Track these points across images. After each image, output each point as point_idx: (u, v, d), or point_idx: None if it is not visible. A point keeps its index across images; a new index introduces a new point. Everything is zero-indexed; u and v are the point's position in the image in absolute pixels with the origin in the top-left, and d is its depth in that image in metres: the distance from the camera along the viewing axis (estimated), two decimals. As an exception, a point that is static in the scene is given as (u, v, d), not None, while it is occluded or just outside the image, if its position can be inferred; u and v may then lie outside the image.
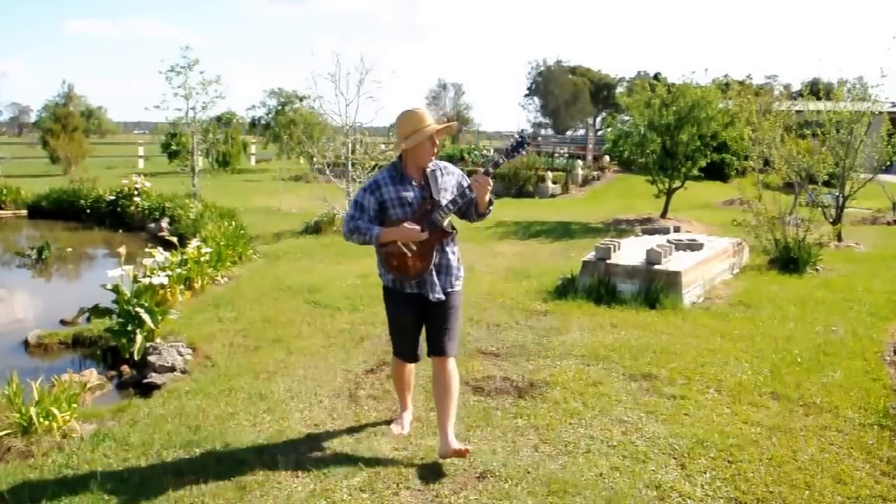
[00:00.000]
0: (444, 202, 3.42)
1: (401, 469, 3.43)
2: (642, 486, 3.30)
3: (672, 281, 6.60)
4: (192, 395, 4.39)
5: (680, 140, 12.91)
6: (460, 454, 3.38)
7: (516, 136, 3.43)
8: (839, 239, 10.84)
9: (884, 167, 12.40)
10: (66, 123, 24.40)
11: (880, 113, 11.66)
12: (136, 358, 5.25)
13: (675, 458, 3.57)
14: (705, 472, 3.44)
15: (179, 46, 28.88)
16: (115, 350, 5.53)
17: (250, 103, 37.05)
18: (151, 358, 5.10)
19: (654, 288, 6.58)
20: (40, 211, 14.64)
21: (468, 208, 3.50)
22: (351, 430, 3.89)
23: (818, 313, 6.41)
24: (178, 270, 6.94)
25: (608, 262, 6.96)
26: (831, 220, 10.94)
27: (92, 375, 4.89)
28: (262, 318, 6.16)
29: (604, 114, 53.25)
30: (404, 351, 3.74)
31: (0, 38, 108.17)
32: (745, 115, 10.50)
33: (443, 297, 3.50)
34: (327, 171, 12.79)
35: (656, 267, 6.74)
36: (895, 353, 5.28)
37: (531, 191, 19.22)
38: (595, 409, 4.17)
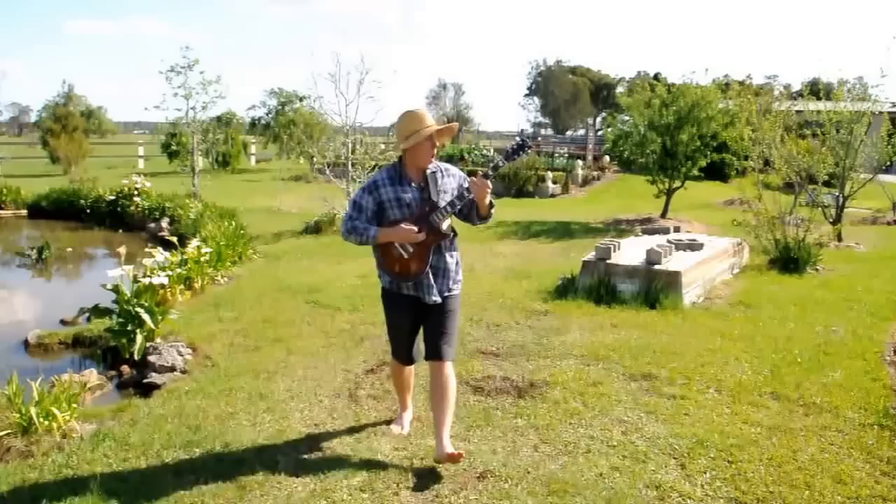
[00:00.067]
0: (441, 204, 3.40)
1: (401, 469, 3.43)
2: (642, 486, 3.30)
3: (672, 281, 6.60)
4: (192, 395, 4.39)
5: (680, 140, 12.91)
6: (454, 459, 3.34)
7: (517, 139, 3.42)
8: (839, 239, 10.84)
9: (884, 167, 12.42)
10: (66, 123, 24.39)
11: (880, 113, 11.67)
12: (136, 358, 5.24)
13: (675, 458, 3.57)
14: (705, 472, 3.44)
15: (179, 46, 28.87)
16: (115, 350, 5.53)
17: (250, 103, 37.07)
18: (151, 358, 5.10)
19: (654, 288, 6.58)
20: (40, 211, 14.63)
21: (470, 211, 3.48)
22: (351, 430, 3.89)
23: (818, 313, 6.41)
24: (178, 270, 6.94)
25: (608, 262, 6.96)
26: (831, 220, 10.95)
27: (92, 375, 4.89)
28: (262, 318, 6.16)
29: (604, 114, 53.22)
30: (401, 353, 3.73)
31: (0, 38, 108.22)
32: (745, 115, 10.48)
33: (439, 300, 3.48)
34: (327, 171, 12.79)
35: (656, 267, 6.75)
36: (895, 353, 5.28)
37: (531, 191, 19.23)
38: (595, 409, 4.17)
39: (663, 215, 13.77)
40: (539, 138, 38.90)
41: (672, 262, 6.94)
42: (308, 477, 3.36)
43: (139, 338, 5.31)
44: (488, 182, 3.32)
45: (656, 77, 23.69)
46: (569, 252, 9.60)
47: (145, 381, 4.84)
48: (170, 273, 6.56)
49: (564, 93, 64.15)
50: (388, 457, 3.56)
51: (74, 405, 4.02)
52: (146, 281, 5.84)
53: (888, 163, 11.88)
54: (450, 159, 21.14)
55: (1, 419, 3.91)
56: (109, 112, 53.73)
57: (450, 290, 3.53)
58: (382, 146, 13.29)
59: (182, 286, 6.96)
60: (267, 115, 30.58)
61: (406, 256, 3.42)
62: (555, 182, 19.75)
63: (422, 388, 4.36)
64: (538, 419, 4.03)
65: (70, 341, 5.97)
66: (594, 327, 5.88)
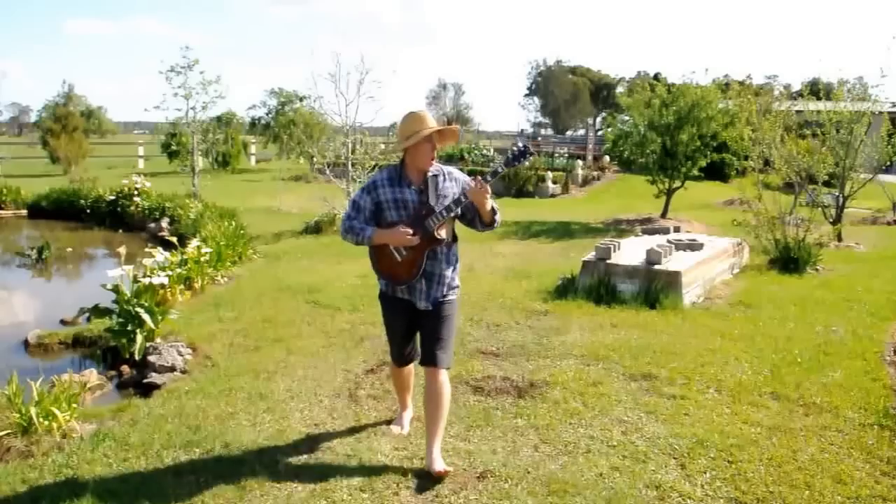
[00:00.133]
0: (438, 209, 3.33)
1: (401, 469, 3.43)
2: (642, 486, 3.30)
3: (672, 281, 6.60)
4: (192, 395, 4.39)
5: (680, 140, 12.91)
6: (440, 476, 3.28)
7: (519, 145, 3.32)
8: (839, 239, 10.84)
9: (884, 167, 12.41)
10: (66, 123, 24.36)
11: (880, 113, 11.67)
12: (136, 358, 5.24)
13: (675, 458, 3.57)
14: (705, 472, 3.44)
15: (179, 46, 28.86)
16: (115, 350, 5.53)
17: (251, 103, 37.10)
18: (151, 358, 5.10)
19: (654, 288, 6.58)
20: (40, 211, 14.62)
21: (473, 217, 3.40)
22: (351, 430, 3.89)
23: (818, 313, 6.41)
24: (178, 270, 6.93)
25: (608, 262, 6.96)
26: (831, 220, 10.95)
27: (92, 375, 4.89)
28: (262, 318, 6.16)
29: (604, 114, 53.24)
30: (395, 354, 3.73)
31: (0, 38, 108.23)
32: (745, 115, 10.49)
33: (430, 306, 3.44)
34: (327, 171, 12.79)
35: (656, 267, 6.74)
36: (895, 353, 5.28)
37: (531, 191, 19.24)
38: (595, 409, 4.17)
39: (663, 215, 13.77)
40: (539, 138, 38.92)
41: (672, 262, 6.94)
42: (308, 477, 3.36)
43: (139, 338, 5.30)
44: (487, 187, 3.22)
45: (656, 77, 23.69)
46: (569, 252, 9.60)
47: (145, 381, 4.84)
48: (170, 273, 6.56)
49: (564, 93, 64.17)
50: (388, 457, 3.56)
51: (74, 405, 4.02)
52: (146, 281, 5.83)
53: (888, 163, 11.88)
54: (450, 159, 21.15)
55: (1, 419, 3.90)
56: (109, 112, 53.80)
57: (444, 296, 3.46)
58: (382, 146, 13.30)
59: (182, 286, 6.96)
60: (267, 115, 30.59)
61: (399, 259, 3.39)
62: (555, 182, 19.76)
63: (422, 388, 4.35)
64: (538, 419, 4.03)
65: (70, 341, 5.97)
66: (594, 327, 5.88)
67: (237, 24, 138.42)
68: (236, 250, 9.02)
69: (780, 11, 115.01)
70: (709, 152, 13.24)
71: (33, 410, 3.82)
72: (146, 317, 5.39)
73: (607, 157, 22.50)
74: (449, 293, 3.49)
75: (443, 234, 3.38)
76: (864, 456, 3.62)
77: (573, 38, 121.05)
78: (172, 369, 4.95)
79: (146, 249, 7.32)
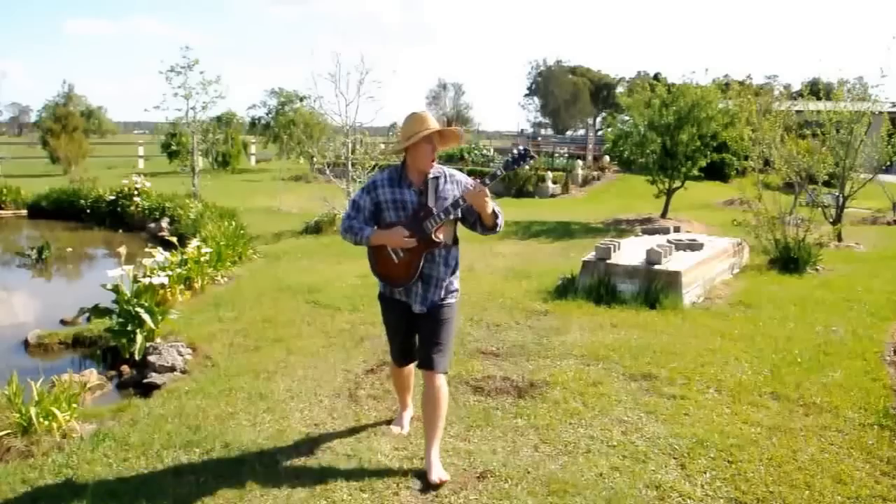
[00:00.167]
0: (436, 210, 3.29)
1: (401, 469, 3.43)
2: (642, 486, 3.30)
3: (672, 281, 6.60)
4: (192, 395, 4.39)
5: (680, 140, 12.91)
6: (435, 486, 3.27)
7: (520, 148, 3.27)
8: (839, 239, 10.84)
9: (884, 167, 12.41)
10: (66, 123, 24.36)
11: (880, 113, 11.67)
12: (136, 358, 5.24)
13: (675, 458, 3.57)
14: (705, 472, 3.44)
15: (179, 46, 28.84)
16: (115, 350, 5.53)
17: (250, 103, 37.09)
18: (151, 358, 5.10)
19: (654, 288, 6.58)
20: (40, 211, 14.63)
21: (475, 220, 3.35)
22: (351, 430, 3.89)
23: (818, 313, 6.41)
24: (178, 270, 6.93)
25: (608, 262, 6.96)
26: (831, 220, 10.95)
27: (92, 375, 4.89)
28: (262, 318, 6.16)
29: (604, 114, 53.24)
30: (395, 354, 3.72)
31: (0, 38, 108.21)
32: (745, 115, 10.49)
33: (425, 309, 3.41)
34: (327, 171, 12.79)
35: (656, 267, 6.74)
36: (895, 353, 5.28)
37: (531, 191, 19.24)
38: (595, 409, 4.17)
39: (663, 215, 13.77)
40: (539, 138, 38.90)
41: (672, 262, 6.94)
42: (308, 477, 3.36)
43: (139, 338, 5.30)
44: (484, 190, 3.16)
45: (656, 77, 23.70)
46: (569, 252, 9.60)
47: (145, 381, 4.84)
48: (170, 273, 6.56)
49: (564, 93, 64.17)
50: (388, 457, 3.56)
51: (74, 405, 4.02)
52: (146, 281, 5.83)
53: (888, 163, 11.88)
54: (449, 159, 21.15)
55: (1, 419, 3.90)
56: (109, 112, 53.77)
57: (442, 299, 3.42)
58: (382, 146, 13.30)
59: (182, 286, 6.96)
60: (267, 115, 30.59)
61: (396, 261, 3.37)
62: (555, 182, 19.77)
63: (422, 388, 4.35)
64: (538, 419, 4.03)
65: (70, 341, 5.97)
66: (594, 327, 5.88)
67: (237, 24, 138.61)
68: (236, 250, 9.01)
69: (780, 11, 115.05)
70: (709, 152, 13.25)
71: (33, 410, 3.82)
72: (146, 317, 5.39)
73: (607, 157, 22.51)
74: (448, 296, 3.45)
75: (441, 236, 3.34)
76: (864, 456, 3.62)
77: (573, 38, 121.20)
78: (172, 369, 4.95)
79: (146, 249, 7.32)
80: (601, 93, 64.30)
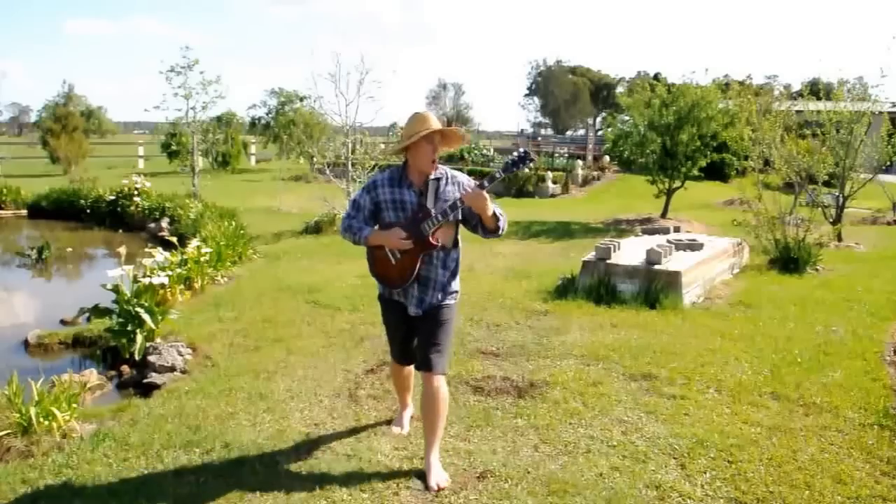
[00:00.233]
0: (434, 212, 3.25)
1: (401, 469, 3.43)
2: (642, 486, 3.30)
3: (672, 281, 6.60)
4: (192, 395, 4.39)
5: (680, 140, 12.92)
6: (434, 491, 3.25)
7: (520, 151, 3.21)
8: (839, 239, 10.84)
9: (884, 167, 12.41)
10: (66, 123, 24.35)
11: (880, 113, 11.67)
12: (136, 358, 5.24)
13: (675, 458, 3.57)
14: (705, 472, 3.44)
15: (179, 46, 28.84)
16: (115, 350, 5.53)
17: (250, 103, 37.07)
18: (151, 358, 5.10)
19: (654, 288, 6.58)
20: (40, 211, 14.62)
21: (476, 223, 3.31)
22: (351, 430, 3.89)
23: (818, 313, 6.41)
24: (178, 270, 6.93)
25: (608, 262, 6.96)
26: (831, 220, 10.95)
27: (92, 375, 4.89)
28: (262, 318, 6.16)
29: (604, 114, 53.24)
30: (395, 354, 3.71)
31: (0, 38, 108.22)
32: (745, 115, 10.50)
33: (420, 312, 3.38)
34: (327, 171, 12.79)
35: (656, 267, 6.74)
36: (895, 353, 5.28)
37: (531, 191, 19.24)
38: (595, 409, 4.17)
39: (663, 215, 13.77)
40: (539, 138, 38.89)
41: (672, 262, 6.94)
42: (308, 477, 3.36)
43: (139, 338, 5.30)
44: (482, 193, 3.11)
45: (656, 77, 23.70)
46: (569, 252, 9.60)
47: (145, 381, 4.84)
48: (170, 273, 6.55)
49: (564, 93, 64.18)
50: (388, 457, 3.56)
51: (74, 405, 4.02)
52: (146, 281, 5.83)
53: (888, 163, 11.88)
54: (449, 159, 21.15)
55: (1, 419, 3.90)
56: (109, 112, 53.83)
57: (440, 301, 3.38)
58: (382, 146, 13.30)
59: (182, 286, 6.96)
60: (267, 114, 30.59)
61: (393, 262, 3.35)
62: (555, 182, 19.76)
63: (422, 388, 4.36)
64: (538, 419, 4.03)
65: (70, 341, 5.97)
66: (594, 327, 5.88)
67: (237, 24, 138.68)
68: (236, 250, 9.01)
69: (780, 11, 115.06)
70: (709, 152, 13.25)
71: (33, 410, 3.82)
72: (146, 317, 5.38)
73: (607, 157, 22.52)
74: (447, 297, 3.41)
75: (439, 239, 3.29)
76: (864, 456, 3.62)
77: (573, 38, 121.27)
78: (172, 369, 4.95)
79: (146, 249, 7.31)
80: (601, 93, 64.33)
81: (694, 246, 7.70)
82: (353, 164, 12.28)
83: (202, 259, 7.55)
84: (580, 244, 10.32)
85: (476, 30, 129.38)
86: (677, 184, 13.73)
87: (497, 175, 3.20)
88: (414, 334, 3.51)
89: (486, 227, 3.28)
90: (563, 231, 12.15)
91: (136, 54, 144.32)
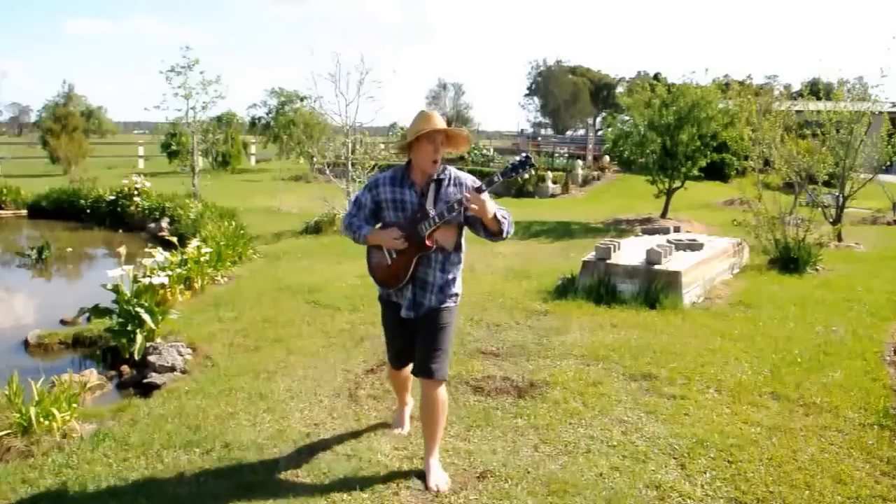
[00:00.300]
0: (432, 213, 3.21)
1: (401, 469, 3.43)
2: (642, 486, 3.30)
3: (672, 281, 6.60)
4: (192, 395, 4.39)
5: (680, 140, 12.92)
6: (433, 492, 3.24)
7: (522, 156, 3.16)
8: (839, 239, 10.84)
9: (884, 167, 12.41)
10: (66, 123, 24.34)
11: (880, 113, 11.67)
12: (136, 358, 5.24)
13: (675, 458, 3.57)
14: (705, 472, 3.44)
15: (179, 46, 28.85)
16: (115, 350, 5.53)
17: (251, 103, 37.05)
18: (151, 358, 5.10)
19: (654, 288, 6.58)
20: (40, 211, 14.62)
21: (479, 226, 3.23)
22: (351, 430, 3.89)
23: (818, 313, 6.41)
24: (178, 270, 6.93)
25: (608, 262, 6.96)
26: (831, 220, 10.95)
27: (92, 375, 4.89)
28: (262, 318, 6.16)
29: (604, 114, 53.24)
30: (391, 357, 3.69)
31: (0, 38, 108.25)
32: (745, 115, 10.50)
33: (412, 314, 3.33)
34: (327, 171, 12.80)
35: (656, 267, 6.74)
36: (895, 353, 5.28)
37: (531, 191, 19.23)
38: (595, 409, 4.17)
39: (663, 215, 13.77)
40: (539, 138, 38.89)
41: (672, 262, 6.94)
42: (308, 477, 3.36)
43: (139, 338, 5.30)
44: (480, 197, 3.05)
45: (656, 77, 23.70)
46: (569, 252, 9.60)
47: (145, 381, 4.84)
48: (170, 273, 6.56)
49: (564, 93, 64.18)
50: (388, 457, 3.56)
51: (74, 405, 4.02)
52: (146, 281, 5.83)
53: (888, 163, 11.88)
54: (449, 159, 21.15)
55: (1, 419, 3.91)
56: (109, 112, 53.80)
57: (440, 304, 3.32)
58: (382, 146, 13.30)
59: (182, 286, 6.96)
60: (267, 114, 30.58)
61: (389, 262, 3.33)
62: (555, 182, 19.76)
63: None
64: (538, 419, 4.03)
65: (70, 341, 5.97)
66: (594, 327, 5.88)
67: (237, 24, 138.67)
68: (236, 250, 9.01)
69: (780, 11, 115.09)
70: (709, 152, 13.25)
71: (33, 410, 3.82)
72: (146, 317, 5.39)
73: (607, 157, 22.51)
74: (447, 301, 3.34)
75: (438, 240, 3.25)
76: (864, 456, 3.62)
77: (573, 38, 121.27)
78: (172, 369, 4.95)
79: (146, 249, 7.31)
80: (601, 93, 64.31)
81: (694, 246, 7.70)
82: (353, 164, 12.28)
83: (202, 259, 7.55)
84: (580, 244, 10.32)
85: (476, 30, 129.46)
86: (677, 184, 13.73)
87: (496, 179, 3.17)
88: (412, 339, 3.44)
89: (488, 230, 3.21)
90: (563, 231, 12.15)
91: (136, 54, 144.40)
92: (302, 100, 28.33)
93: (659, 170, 13.46)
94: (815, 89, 12.17)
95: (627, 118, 14.37)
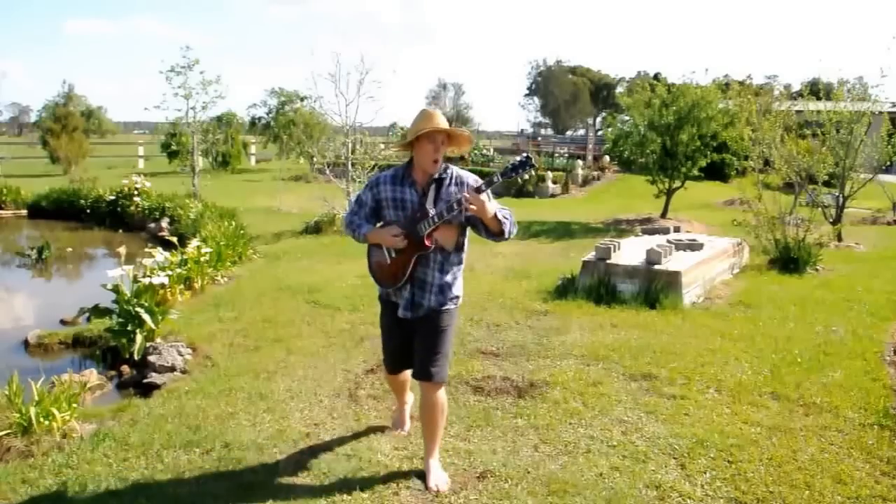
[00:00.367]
0: (431, 213, 3.18)
1: (401, 469, 3.43)
2: (642, 486, 3.30)
3: (672, 281, 6.60)
4: (192, 395, 4.39)
5: (680, 140, 12.92)
6: (433, 492, 3.24)
7: (522, 156, 3.13)
8: (839, 239, 10.84)
9: (884, 167, 12.41)
10: (66, 123, 24.33)
11: (880, 113, 11.67)
12: (136, 358, 5.24)
13: (675, 458, 3.57)
14: (705, 472, 3.44)
15: (179, 46, 28.85)
16: (115, 350, 5.53)
17: (251, 102, 37.04)
18: (151, 358, 5.10)
19: (654, 288, 6.58)
20: (40, 211, 14.62)
21: (480, 226, 3.19)
22: (351, 430, 3.89)
23: (818, 313, 6.41)
24: (178, 270, 6.93)
25: (608, 262, 6.96)
26: (831, 220, 10.95)
27: (92, 375, 4.89)
28: (262, 318, 6.16)
29: (604, 114, 53.24)
30: (387, 361, 3.66)
31: (0, 38, 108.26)
32: (745, 115, 10.50)
33: (408, 314, 3.30)
34: (327, 171, 12.80)
35: (656, 267, 6.75)
36: (895, 353, 5.28)
37: (531, 191, 19.23)
38: (595, 409, 4.17)
39: (663, 215, 13.77)
40: (539, 138, 38.91)
41: (672, 262, 6.94)
42: (308, 477, 3.36)
43: (139, 338, 5.30)
44: (479, 197, 3.02)
45: (656, 77, 23.69)
46: (569, 252, 9.61)
47: (145, 381, 4.84)
48: (170, 273, 6.56)
49: (564, 93, 64.17)
50: (388, 457, 3.56)
51: (74, 405, 4.02)
52: (146, 281, 5.83)
53: (888, 163, 11.88)
54: (449, 159, 21.14)
55: (1, 419, 3.91)
56: (109, 112, 53.77)
57: (440, 305, 3.29)
58: (382, 146, 13.30)
59: (182, 286, 6.96)
60: (267, 114, 30.58)
61: (388, 261, 3.31)
62: (555, 182, 19.76)
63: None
64: (538, 419, 4.03)
65: (70, 341, 5.97)
66: (594, 327, 5.88)
67: (237, 24, 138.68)
68: (236, 250, 9.01)
69: (780, 11, 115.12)
70: (709, 152, 13.25)
71: (33, 410, 3.82)
72: (146, 317, 5.39)
73: (607, 157, 22.52)
74: (447, 303, 3.31)
75: (437, 240, 3.23)
76: (864, 456, 3.62)
77: (573, 38, 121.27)
78: (172, 369, 4.95)
79: (146, 249, 7.31)
80: (601, 93, 64.30)
81: (694, 246, 7.70)
82: (353, 164, 12.28)
83: (202, 259, 7.55)
84: (580, 244, 10.32)
85: (476, 30, 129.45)
86: (677, 184, 13.73)
87: (496, 179, 3.14)
88: (408, 342, 3.40)
89: (489, 231, 3.18)
90: (563, 231, 12.15)
91: (136, 54, 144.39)
92: (302, 100, 28.32)
93: (659, 170, 13.46)
94: (815, 89, 12.17)
95: (627, 118, 14.38)
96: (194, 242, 7.86)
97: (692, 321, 6.09)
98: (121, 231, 12.71)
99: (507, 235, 3.19)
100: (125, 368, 5.25)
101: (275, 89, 30.69)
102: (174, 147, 21.02)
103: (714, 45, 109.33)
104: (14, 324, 6.75)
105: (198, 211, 11.90)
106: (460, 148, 3.40)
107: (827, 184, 10.77)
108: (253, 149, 29.98)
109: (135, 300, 5.55)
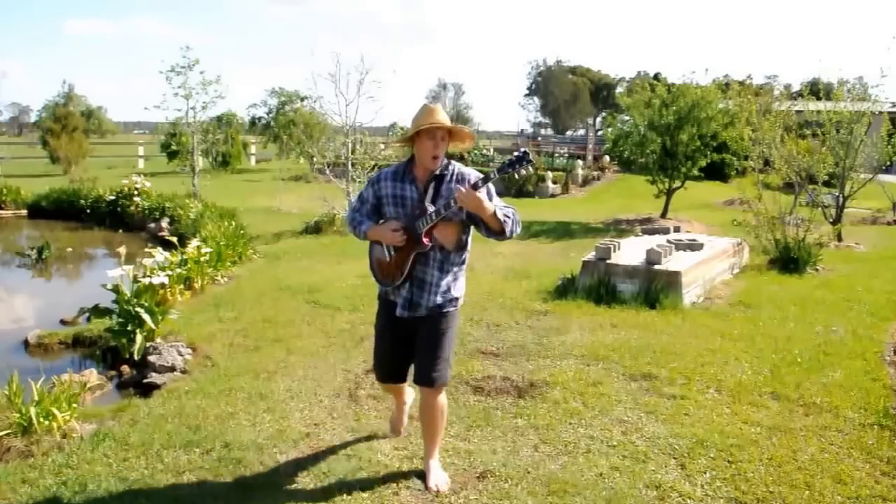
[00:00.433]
0: (429, 210, 3.14)
1: (401, 469, 3.43)
2: (642, 486, 3.30)
3: (672, 281, 6.61)
4: (192, 395, 4.39)
5: (680, 140, 12.92)
6: (433, 492, 3.23)
7: (519, 151, 3.10)
8: (839, 239, 10.84)
9: (884, 167, 12.41)
10: (66, 123, 24.32)
11: (880, 113, 11.67)
12: (136, 358, 5.24)
13: (675, 458, 3.57)
14: (705, 472, 3.44)
15: (179, 46, 28.87)
16: (115, 350, 5.53)
17: (251, 102, 37.05)
18: (151, 358, 5.10)
19: (654, 288, 6.58)
20: (40, 211, 14.61)
21: (481, 225, 3.13)
22: (351, 430, 3.89)
23: (818, 313, 6.41)
24: (178, 270, 6.93)
25: (608, 262, 6.96)
26: (831, 220, 10.95)
27: (92, 375, 4.89)
28: (262, 318, 6.16)
29: (604, 114, 53.23)
30: (375, 361, 3.56)
31: (0, 38, 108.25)
32: (745, 115, 10.50)
33: (405, 314, 3.24)
34: (327, 171, 12.80)
35: (656, 267, 6.75)
36: (895, 353, 5.28)
37: (531, 191, 19.23)
38: (595, 409, 4.17)
39: (663, 215, 13.77)
40: (539, 138, 38.91)
41: (672, 262, 6.94)
42: (308, 477, 3.36)
43: (139, 338, 5.30)
44: (475, 194, 2.98)
45: (656, 77, 23.69)
46: (569, 252, 9.61)
47: (145, 381, 4.84)
48: (170, 273, 6.56)
49: (564, 93, 64.18)
50: (388, 457, 3.56)
51: (74, 405, 4.02)
52: (146, 281, 5.83)
53: (888, 163, 11.88)
54: (449, 158, 21.15)
55: (1, 419, 3.90)
56: (109, 112, 53.80)
57: (441, 307, 3.23)
58: (382, 146, 13.31)
59: (182, 286, 6.96)
60: (267, 114, 30.58)
61: (387, 259, 3.28)
62: (555, 182, 19.77)
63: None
64: (538, 419, 4.03)
65: (70, 341, 5.97)
66: (594, 327, 5.88)
67: (237, 24, 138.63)
68: (236, 250, 9.01)
69: (780, 11, 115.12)
70: (709, 152, 13.25)
71: (33, 410, 3.82)
72: (146, 317, 5.38)
73: (607, 157, 22.53)
74: (448, 305, 3.25)
75: (437, 238, 3.19)
76: (864, 456, 3.62)
77: (573, 38, 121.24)
78: (172, 369, 4.95)
79: (146, 249, 7.31)
80: (601, 93, 64.30)
81: (694, 246, 7.70)
82: (353, 164, 12.28)
83: (202, 259, 7.55)
84: (580, 244, 10.32)
85: (476, 30, 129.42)
86: (677, 184, 13.73)
87: (493, 175, 3.10)
88: (399, 348, 3.35)
89: (490, 229, 3.12)
90: (563, 231, 12.15)
91: (136, 54, 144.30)
92: (302, 100, 28.33)
93: (659, 170, 13.46)
94: (815, 89, 12.17)
95: (627, 118, 14.38)
96: (194, 242, 7.86)
97: (692, 321, 6.09)
98: (121, 231, 12.71)
99: (508, 234, 3.13)
100: (125, 368, 5.25)
101: (275, 89, 30.72)
102: (174, 147, 20.99)
103: (714, 45, 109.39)
104: (14, 324, 6.75)
105: (198, 211, 11.90)
106: (462, 144, 3.37)
107: (827, 184, 10.77)
108: (253, 149, 29.97)
109: (135, 300, 5.55)
